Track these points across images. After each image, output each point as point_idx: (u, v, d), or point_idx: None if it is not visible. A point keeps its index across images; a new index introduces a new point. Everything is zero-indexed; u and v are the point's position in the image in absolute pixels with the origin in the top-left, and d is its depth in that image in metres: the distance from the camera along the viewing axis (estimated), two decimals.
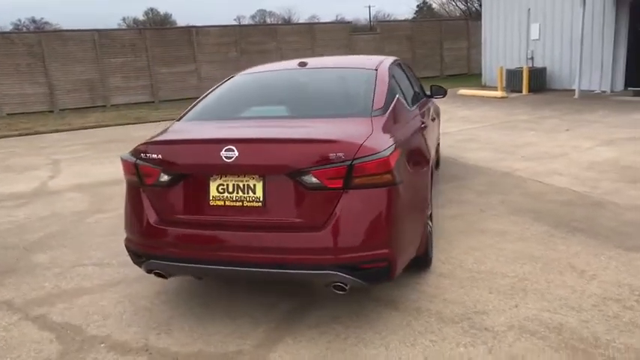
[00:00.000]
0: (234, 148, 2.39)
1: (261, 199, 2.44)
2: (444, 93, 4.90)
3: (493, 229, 3.93)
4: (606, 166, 5.59)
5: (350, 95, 3.06)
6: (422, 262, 3.09)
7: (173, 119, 12.63)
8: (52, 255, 3.98)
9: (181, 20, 58.69)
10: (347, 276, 2.36)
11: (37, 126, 12.49)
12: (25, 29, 42.12)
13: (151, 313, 2.95)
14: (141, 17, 58.87)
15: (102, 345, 2.65)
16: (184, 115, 3.18)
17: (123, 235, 4.25)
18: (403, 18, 36.96)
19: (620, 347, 2.37)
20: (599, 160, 5.87)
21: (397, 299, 2.92)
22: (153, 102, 16.94)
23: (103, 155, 8.31)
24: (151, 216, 2.62)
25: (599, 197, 4.56)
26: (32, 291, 3.36)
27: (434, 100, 5.10)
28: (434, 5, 33.95)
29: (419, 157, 2.99)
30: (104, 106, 16.39)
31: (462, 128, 8.68)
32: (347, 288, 2.43)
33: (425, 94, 4.75)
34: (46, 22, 51.38)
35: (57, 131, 11.81)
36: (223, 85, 3.49)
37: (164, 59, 17.18)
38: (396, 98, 3.10)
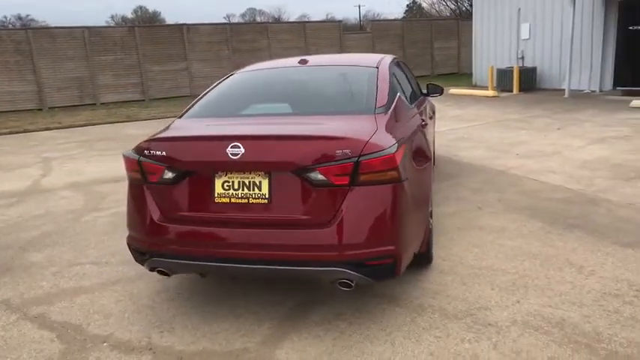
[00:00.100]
0: (240, 144, 2.38)
1: (266, 196, 2.43)
2: (440, 91, 4.92)
3: (491, 226, 3.96)
4: (598, 164, 5.67)
5: (353, 93, 3.07)
6: (423, 258, 3.11)
7: (164, 117, 12.46)
8: (48, 254, 3.93)
9: (170, 18, 58.29)
10: (353, 273, 2.36)
11: (25, 124, 12.32)
12: (11, 26, 41.46)
13: (153, 311, 2.93)
14: (129, 15, 58.36)
15: (104, 344, 2.62)
16: (185, 112, 3.16)
17: (120, 233, 4.29)
18: (393, 17, 37.07)
19: (622, 342, 2.40)
20: (591, 159, 5.96)
21: (400, 296, 2.94)
22: (143, 100, 16.80)
23: (95, 153, 8.22)
24: (155, 213, 2.60)
25: (593, 195, 4.62)
26: (30, 290, 3.32)
27: (429, 98, 5.12)
28: (424, 5, 34.13)
29: (421, 155, 3.00)
30: (94, 104, 16.21)
31: (455, 127, 8.74)
32: (353, 285, 2.43)
33: (421, 93, 4.77)
34: (32, 19, 50.68)
35: (47, 129, 11.65)
36: (224, 82, 3.47)
37: (155, 57, 17.04)
38: (397, 96, 3.11)
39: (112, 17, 57.54)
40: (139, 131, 10.60)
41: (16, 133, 11.28)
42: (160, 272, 2.70)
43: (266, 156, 2.40)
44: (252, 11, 64.54)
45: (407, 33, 20.69)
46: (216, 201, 2.50)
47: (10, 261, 3.83)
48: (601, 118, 8.70)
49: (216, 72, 17.91)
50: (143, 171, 2.62)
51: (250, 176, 2.45)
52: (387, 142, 2.43)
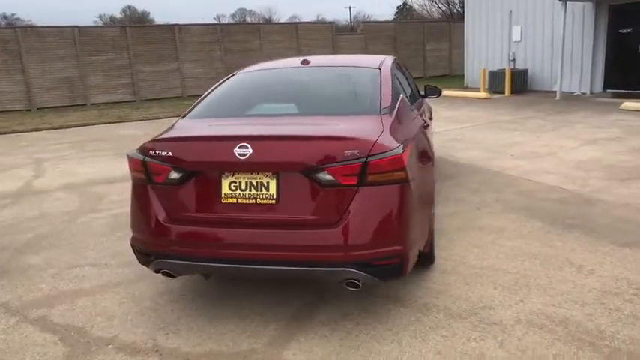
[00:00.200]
0: (248, 145, 2.38)
1: (274, 197, 2.43)
2: (438, 93, 4.96)
3: (491, 227, 4.00)
4: (592, 165, 5.75)
5: (357, 93, 3.08)
6: (427, 258, 3.13)
7: (156, 118, 12.36)
8: (45, 256, 3.88)
9: (159, 18, 57.91)
10: (361, 273, 2.37)
11: (14, 125, 12.14)
12: None
13: (157, 313, 2.91)
14: (118, 15, 57.93)
15: (109, 346, 2.60)
16: (188, 112, 3.15)
17: (118, 235, 4.25)
18: (383, 19, 37.24)
19: (625, 339, 2.44)
20: (584, 160, 6.04)
21: (404, 296, 2.95)
22: (134, 101, 16.66)
23: (88, 154, 8.13)
24: (160, 214, 2.58)
25: (589, 195, 4.69)
26: (29, 292, 3.28)
27: (426, 100, 5.16)
28: (415, 6, 34.29)
29: (425, 155, 3.02)
30: (84, 104, 16.04)
31: (450, 128, 8.80)
32: (360, 285, 2.44)
33: (419, 94, 4.80)
34: (18, 19, 49.98)
35: (37, 130, 11.50)
36: (226, 82, 3.46)
37: (146, 57, 16.91)
38: (401, 97, 3.13)
39: (101, 17, 57.06)
40: (131, 132, 10.52)
41: (5, 133, 11.12)
42: (165, 273, 2.69)
43: (274, 156, 2.40)
44: (242, 12, 64.43)
45: (399, 35, 20.79)
46: (222, 202, 2.50)
47: (7, 263, 3.78)
48: (593, 120, 8.83)
49: (208, 73, 17.85)
50: (148, 171, 2.60)
51: (258, 177, 2.45)
52: (394, 142, 2.45)
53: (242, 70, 3.68)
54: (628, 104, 9.75)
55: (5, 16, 51.15)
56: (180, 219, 2.57)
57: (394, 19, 41.88)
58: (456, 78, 18.92)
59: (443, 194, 4.90)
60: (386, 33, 20.70)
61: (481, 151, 6.81)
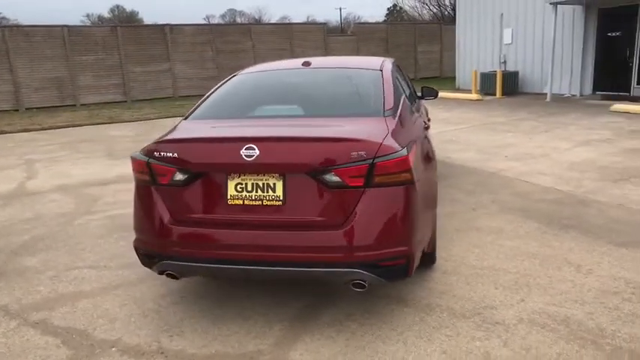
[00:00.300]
0: (254, 146, 2.38)
1: (281, 198, 2.43)
2: (435, 95, 4.99)
3: (488, 227, 4.04)
4: (585, 166, 5.83)
5: (361, 95, 3.09)
6: (428, 259, 3.15)
7: (148, 119, 12.25)
8: (42, 258, 3.84)
9: (148, 18, 57.53)
10: (368, 274, 2.38)
11: (2, 125, 11.99)
12: None
13: (160, 315, 2.90)
14: (106, 14, 57.43)
15: (113, 349, 2.58)
16: (191, 113, 3.14)
17: (116, 236, 4.22)
18: (374, 20, 37.36)
19: (625, 337, 2.49)
20: (578, 161, 6.12)
21: (407, 296, 2.97)
22: (125, 101, 16.54)
23: (81, 155, 8.06)
24: (165, 216, 2.57)
25: (584, 196, 4.75)
26: (28, 295, 3.24)
27: (423, 101, 5.19)
28: (406, 8, 34.48)
29: (428, 156, 3.05)
30: (74, 105, 15.89)
31: (443, 130, 8.86)
32: (366, 285, 2.45)
33: (416, 96, 4.83)
34: (4, 17, 49.27)
35: (26, 131, 11.36)
36: (227, 83, 3.45)
37: (137, 58, 16.81)
38: (402, 99, 3.15)
39: (88, 16, 56.49)
40: (123, 133, 10.44)
41: None
42: (169, 275, 2.67)
43: (281, 158, 2.40)
44: (232, 12, 64.25)
45: (391, 36, 20.90)
46: (228, 203, 2.49)
47: (3, 265, 3.73)
48: (584, 122, 8.95)
49: (200, 73, 17.79)
50: (152, 173, 2.59)
51: (264, 178, 2.45)
52: (399, 144, 2.47)
53: (243, 71, 3.67)
54: (618, 106, 9.91)
55: None
56: (185, 220, 2.56)
57: (384, 20, 42.09)
58: (447, 80, 19.07)
59: (439, 195, 4.91)
60: (377, 35, 20.81)
61: (475, 153, 6.87)
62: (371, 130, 2.55)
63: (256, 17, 59.60)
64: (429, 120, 4.64)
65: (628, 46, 11.57)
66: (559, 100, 12.22)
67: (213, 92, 3.36)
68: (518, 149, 6.96)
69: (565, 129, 8.36)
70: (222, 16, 62.06)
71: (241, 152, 2.39)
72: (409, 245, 2.45)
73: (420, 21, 29.06)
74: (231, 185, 2.49)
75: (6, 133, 11.12)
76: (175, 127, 2.96)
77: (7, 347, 2.65)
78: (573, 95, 12.63)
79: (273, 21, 52.34)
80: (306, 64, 3.55)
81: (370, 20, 40.82)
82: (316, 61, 3.66)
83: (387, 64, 3.58)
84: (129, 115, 13.34)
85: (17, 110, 15.07)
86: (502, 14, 14.41)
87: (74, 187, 5.98)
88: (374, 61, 3.62)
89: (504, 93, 13.55)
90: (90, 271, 3.57)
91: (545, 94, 12.50)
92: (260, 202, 2.46)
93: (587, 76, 12.46)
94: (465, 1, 15.78)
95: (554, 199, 4.71)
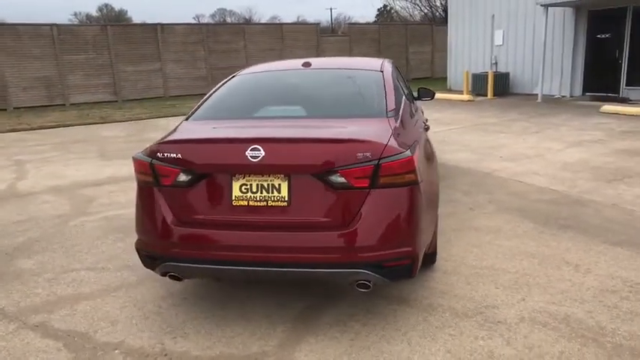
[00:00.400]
0: (260, 147, 2.37)
1: (286, 199, 2.43)
2: (431, 96, 5.02)
3: (486, 227, 4.07)
4: (578, 167, 5.91)
5: (363, 96, 3.10)
6: (429, 259, 3.17)
7: (140, 119, 12.15)
8: (39, 260, 3.79)
9: (137, 17, 57.09)
10: (373, 274, 2.39)
11: None
12: None
13: (162, 317, 2.88)
14: (94, 13, 56.89)
15: (116, 351, 2.56)
16: (192, 114, 3.12)
17: (113, 238, 4.19)
18: (364, 21, 37.46)
19: (625, 335, 2.52)
20: (571, 161, 6.20)
21: (408, 296, 2.99)
22: (116, 101, 16.40)
23: (73, 156, 7.97)
24: (168, 217, 2.56)
25: (579, 196, 4.81)
26: (25, 298, 3.20)
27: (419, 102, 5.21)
28: (397, 8, 34.59)
29: (429, 156, 3.07)
30: (63, 105, 15.71)
31: (436, 130, 8.91)
32: (371, 286, 2.46)
33: (413, 97, 4.85)
34: None
35: (14, 131, 11.21)
36: (227, 84, 3.44)
37: (128, 57, 16.67)
38: (403, 99, 3.16)
39: (76, 15, 55.90)
40: (115, 133, 10.35)
41: None
42: (172, 277, 2.66)
43: (287, 159, 2.40)
44: (222, 12, 63.99)
45: (383, 37, 20.98)
46: (233, 204, 2.48)
47: None
48: (575, 123, 9.07)
49: (192, 73, 17.70)
50: (155, 174, 2.57)
51: (269, 179, 2.45)
52: (404, 145, 2.48)
53: (242, 72, 3.66)
54: (608, 107, 10.05)
55: None
56: (188, 221, 2.54)
57: (375, 21, 42.21)
58: (438, 80, 19.19)
59: None
60: (369, 35, 20.88)
61: (469, 153, 6.92)
62: (375, 131, 2.56)
63: (246, 17, 59.45)
64: (426, 121, 4.67)
65: (617, 48, 11.74)
66: (549, 101, 12.36)
67: (213, 93, 3.35)
68: (511, 150, 7.03)
69: (556, 130, 8.46)
70: (212, 16, 61.83)
71: (247, 153, 2.39)
72: (413, 246, 2.46)
73: (412, 22, 29.22)
74: (235, 186, 2.48)
75: None
76: (177, 127, 2.95)
77: (7, 351, 2.61)
78: (563, 96, 12.79)
79: (263, 21, 52.28)
80: (307, 64, 3.55)
81: (361, 21, 40.90)
82: (316, 61, 3.66)
83: (387, 65, 3.60)
84: (120, 115, 13.22)
85: (5, 110, 14.86)
86: (493, 15, 14.54)
87: (67, 188, 5.91)
88: (374, 62, 3.63)
89: (495, 94, 13.67)
90: (88, 273, 3.53)
91: (536, 95, 12.63)
92: (265, 203, 2.45)
93: (577, 77, 12.63)
94: (456, 2, 15.90)
95: (549, 199, 4.77)
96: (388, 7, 39.29)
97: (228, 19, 58.77)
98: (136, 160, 2.66)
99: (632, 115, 9.46)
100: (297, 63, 3.65)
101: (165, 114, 13.14)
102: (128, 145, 8.85)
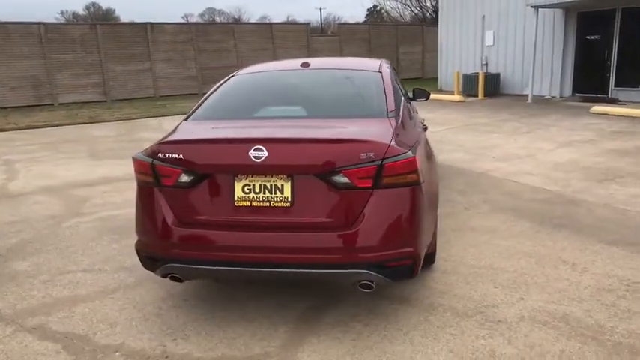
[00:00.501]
0: (263, 148, 2.37)
1: (289, 200, 2.43)
2: (427, 96, 5.05)
3: (483, 227, 4.10)
4: (570, 167, 5.98)
5: (363, 97, 3.10)
6: (429, 259, 3.18)
7: (129, 119, 12.03)
8: (33, 262, 3.74)
9: (125, 16, 56.48)
10: (376, 274, 2.39)
11: None
12: None
13: (162, 319, 2.85)
14: (81, 11, 56.25)
15: (117, 353, 2.53)
16: (191, 114, 3.10)
17: (108, 239, 4.14)
18: (354, 21, 37.53)
19: (623, 333, 2.56)
20: (562, 162, 6.27)
21: (409, 296, 3.00)
22: (105, 101, 16.22)
23: (63, 156, 7.87)
24: (169, 218, 2.54)
25: (572, 196, 4.87)
26: (22, 300, 3.15)
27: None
28: (388, 8, 34.68)
29: (429, 157, 3.09)
30: (52, 104, 15.51)
31: (429, 130, 8.94)
32: (374, 286, 2.47)
33: (409, 97, 4.87)
34: None
35: (2, 130, 11.05)
36: (226, 84, 3.42)
37: (117, 56, 16.51)
38: (402, 100, 3.18)
39: (62, 13, 55.19)
40: (105, 133, 10.25)
41: None
42: (173, 278, 2.64)
43: (290, 159, 2.39)
44: (211, 11, 63.68)
45: (373, 37, 21.03)
46: (235, 205, 2.47)
47: None
48: (566, 123, 9.17)
49: (182, 72, 17.58)
50: (157, 174, 2.55)
51: (272, 179, 2.44)
52: (406, 145, 2.49)
53: (241, 72, 3.64)
54: (597, 108, 10.19)
55: None
56: (190, 222, 2.53)
57: (365, 21, 42.31)
58: (429, 81, 19.27)
59: None
60: (360, 35, 20.92)
61: (463, 153, 6.97)
62: (377, 131, 2.56)
63: (235, 16, 59.20)
64: (423, 121, 4.69)
65: (606, 49, 11.91)
66: (539, 101, 12.50)
67: (212, 93, 3.33)
68: (503, 150, 7.09)
69: (547, 130, 8.55)
70: (201, 15, 61.48)
71: (250, 153, 2.38)
72: (415, 246, 2.48)
73: (402, 22, 29.36)
74: (238, 187, 2.47)
75: None
76: (176, 128, 2.92)
77: (5, 354, 2.57)
78: (553, 97, 12.94)
79: (252, 20, 52.12)
80: (305, 64, 3.54)
81: (350, 21, 40.99)
82: (314, 61, 3.66)
83: (385, 65, 3.61)
84: (109, 115, 13.09)
85: None
86: (484, 16, 14.66)
87: (59, 189, 5.84)
88: (372, 63, 3.64)
89: (486, 94, 13.78)
90: (84, 274, 3.49)
91: (526, 95, 12.76)
92: (268, 204, 2.45)
93: (567, 78, 12.78)
94: (447, 2, 16.00)
95: (543, 198, 4.82)
96: (378, 8, 39.43)
97: (217, 19, 58.51)
98: (136, 161, 2.64)
99: (622, 116, 9.60)
100: (295, 63, 3.64)
101: (155, 114, 13.04)
102: (119, 145, 8.77)
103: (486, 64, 14.65)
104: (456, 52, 15.89)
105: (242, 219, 2.47)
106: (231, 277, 2.80)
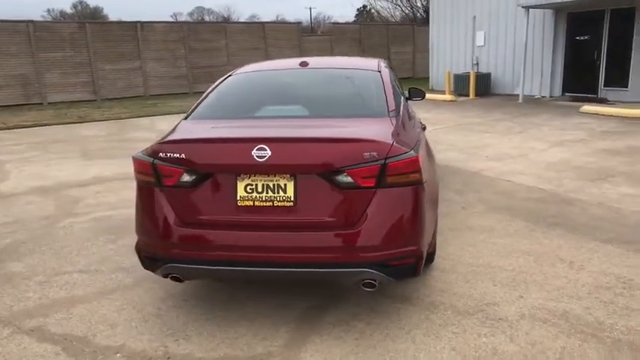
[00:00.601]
0: (266, 147, 2.36)
1: (292, 199, 2.42)
2: (422, 96, 5.08)
3: (479, 226, 4.13)
4: (562, 166, 6.04)
5: (363, 96, 3.10)
6: (428, 258, 3.19)
7: (119, 118, 11.93)
8: (28, 263, 3.69)
9: (113, 15, 55.99)
10: (379, 273, 2.40)
11: None
12: None
13: (162, 319, 2.83)
14: (68, 10, 55.61)
15: (118, 355, 2.51)
16: (191, 113, 3.08)
17: (103, 239, 4.10)
18: (344, 21, 37.53)
19: (623, 329, 2.59)
20: (554, 161, 6.33)
21: (410, 295, 3.01)
22: (95, 100, 16.04)
23: (54, 156, 7.77)
24: (171, 218, 2.51)
25: (565, 195, 4.92)
26: (18, 302, 3.11)
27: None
28: (378, 8, 34.75)
29: (430, 156, 3.10)
30: (40, 103, 15.30)
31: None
32: (377, 285, 2.47)
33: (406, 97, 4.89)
34: None
35: None
36: (224, 83, 3.40)
37: (107, 55, 16.33)
38: (402, 99, 3.18)
39: (49, 11, 54.48)
40: (95, 132, 10.13)
41: None
42: (174, 278, 2.62)
43: (293, 159, 2.39)
44: (200, 10, 63.30)
45: (364, 37, 21.06)
46: (238, 204, 2.46)
47: None
48: (557, 123, 9.27)
49: (172, 71, 17.45)
50: (158, 174, 2.53)
51: (275, 179, 2.43)
52: (408, 144, 2.50)
53: (239, 71, 3.62)
54: (587, 108, 10.31)
55: None
56: (192, 222, 2.51)
57: (355, 21, 42.36)
58: (420, 80, 19.34)
59: None
60: (350, 35, 20.94)
61: (456, 153, 7.01)
62: (379, 130, 2.57)
63: (225, 15, 58.93)
64: (420, 120, 4.71)
65: (595, 50, 12.05)
66: (530, 101, 12.61)
67: (211, 92, 3.31)
68: (496, 149, 7.14)
69: (539, 130, 8.63)
70: (190, 14, 61.07)
71: (252, 153, 2.37)
72: (418, 245, 2.48)
73: (393, 22, 29.44)
74: (240, 186, 2.45)
75: None
76: (176, 127, 2.90)
77: (3, 356, 2.53)
78: (543, 97, 13.07)
79: (242, 19, 51.91)
80: (304, 64, 3.54)
81: (340, 20, 40.98)
82: (313, 61, 3.65)
83: (382, 64, 3.61)
84: (99, 115, 12.95)
85: None
86: (475, 17, 14.76)
87: (52, 189, 5.76)
88: (370, 63, 3.65)
89: (477, 94, 13.88)
90: (81, 275, 3.45)
91: (517, 95, 12.87)
92: (271, 204, 2.44)
93: (557, 78, 12.92)
94: (438, 3, 16.08)
95: (537, 197, 4.86)
96: (369, 7, 39.49)
97: (207, 18, 58.19)
98: (136, 160, 2.61)
99: (611, 116, 9.73)
100: (293, 62, 3.63)
101: (146, 113, 12.94)
102: (110, 145, 8.69)
103: (477, 64, 14.75)
104: (447, 52, 15.98)
105: (244, 218, 2.46)
106: (234, 277, 2.79)
